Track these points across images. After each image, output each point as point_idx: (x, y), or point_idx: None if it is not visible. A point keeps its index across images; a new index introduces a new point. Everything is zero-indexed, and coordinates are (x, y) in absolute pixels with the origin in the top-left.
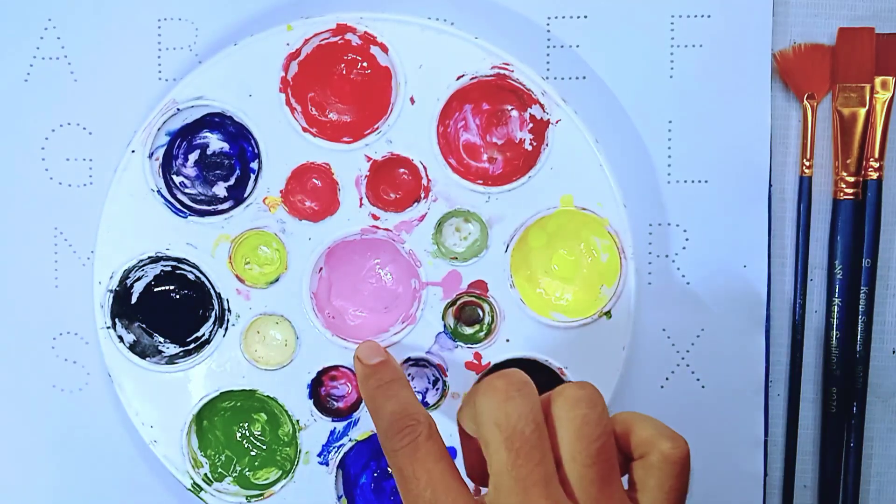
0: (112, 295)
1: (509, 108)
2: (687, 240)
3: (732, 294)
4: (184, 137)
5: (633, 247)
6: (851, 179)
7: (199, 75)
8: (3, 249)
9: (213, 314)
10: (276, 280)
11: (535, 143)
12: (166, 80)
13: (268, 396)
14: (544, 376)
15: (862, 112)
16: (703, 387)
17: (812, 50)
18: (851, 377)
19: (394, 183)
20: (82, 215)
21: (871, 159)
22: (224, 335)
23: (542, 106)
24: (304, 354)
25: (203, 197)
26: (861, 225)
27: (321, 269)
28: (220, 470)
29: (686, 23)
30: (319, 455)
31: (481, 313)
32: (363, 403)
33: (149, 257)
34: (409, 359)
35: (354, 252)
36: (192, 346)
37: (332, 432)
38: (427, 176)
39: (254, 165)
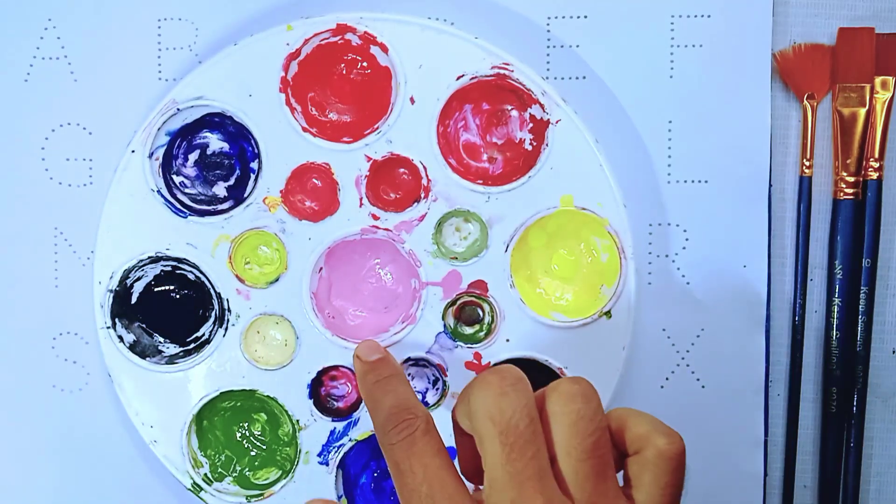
0: (112, 295)
1: (509, 108)
2: (687, 240)
3: (732, 294)
4: (184, 137)
5: (633, 247)
6: (851, 179)
7: (199, 75)
8: (3, 249)
9: (213, 314)
10: (276, 280)
11: (535, 143)
12: (166, 80)
13: (268, 396)
14: (544, 376)
15: (862, 112)
16: (703, 387)
17: (812, 50)
18: (851, 377)
19: (394, 183)
20: (82, 215)
21: (871, 159)
22: (224, 335)
23: (542, 106)
24: (304, 354)
25: (203, 197)
26: (861, 225)
27: (321, 269)
28: (220, 470)
29: (686, 23)
30: (319, 455)
31: (481, 313)
32: (363, 403)
33: (149, 257)
34: (409, 359)
35: (354, 252)
36: (192, 346)
37: (332, 432)
38: (427, 176)
39: (254, 165)
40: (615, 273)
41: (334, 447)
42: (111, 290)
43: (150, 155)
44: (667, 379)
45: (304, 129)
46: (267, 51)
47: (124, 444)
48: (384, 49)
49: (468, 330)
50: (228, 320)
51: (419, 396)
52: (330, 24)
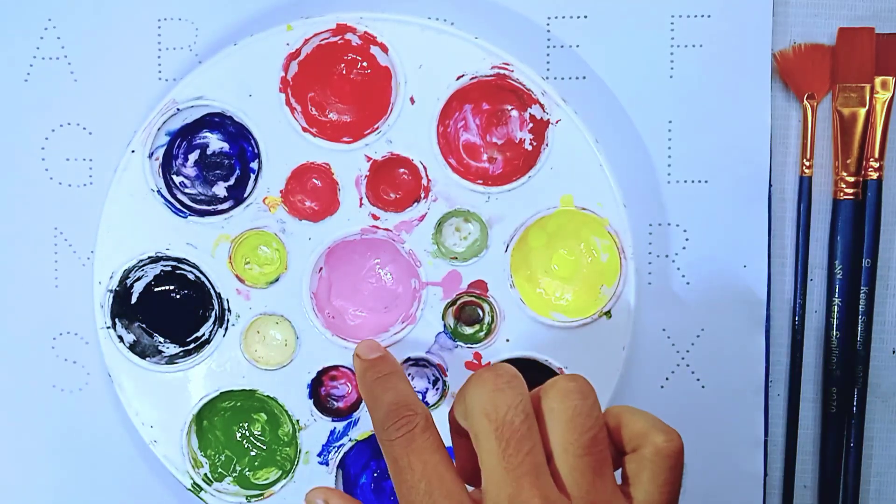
0: (112, 295)
1: (509, 108)
2: (687, 240)
3: (732, 294)
4: (184, 137)
5: (633, 247)
6: (851, 179)
7: (199, 75)
8: (3, 249)
9: (213, 314)
10: (276, 280)
11: (535, 143)
12: (166, 80)
13: (268, 396)
14: (544, 376)
15: (862, 112)
16: (703, 387)
17: (812, 50)
18: (851, 377)
19: (394, 183)
20: (82, 215)
21: (871, 159)
22: (224, 335)
23: (542, 106)
24: (304, 354)
25: (203, 197)
26: (861, 225)
27: (321, 269)
28: (220, 470)
29: (686, 23)
30: (319, 455)
31: (481, 313)
32: (363, 403)
33: (149, 257)
34: (409, 359)
35: (354, 252)
36: (192, 346)
37: (332, 432)
38: (427, 176)
39: (254, 165)
40: (615, 273)
41: (334, 447)
42: (111, 290)
43: (150, 155)
44: (667, 379)
45: (304, 129)
46: (267, 51)
47: (124, 444)
48: (384, 49)
49: (468, 330)
50: (228, 320)
51: (419, 396)
52: (330, 24)
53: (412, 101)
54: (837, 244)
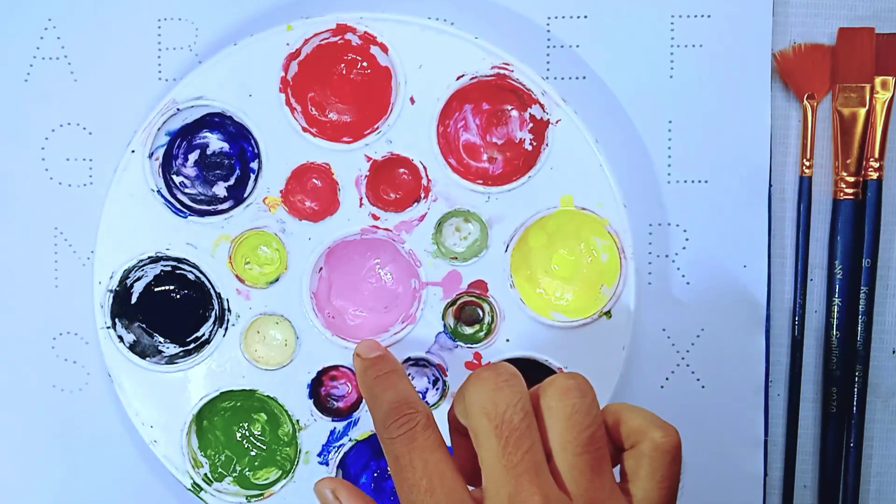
0: (112, 295)
1: (509, 108)
2: (687, 240)
3: (732, 294)
4: (184, 137)
5: (633, 247)
6: (851, 179)
7: (199, 75)
8: (3, 249)
9: (213, 314)
10: (276, 280)
11: (535, 143)
12: (166, 80)
13: (268, 396)
14: (544, 376)
15: (862, 112)
16: (703, 387)
17: (812, 50)
18: (851, 377)
19: (394, 183)
20: (82, 215)
21: (871, 159)
22: (224, 335)
23: (542, 106)
24: (304, 354)
25: (203, 197)
26: (861, 225)
27: (321, 269)
28: (220, 470)
29: (686, 23)
30: (319, 455)
31: (481, 313)
32: (363, 403)
33: (149, 257)
34: (409, 359)
35: (354, 252)
36: (192, 346)
37: (332, 432)
38: (427, 176)
39: (254, 165)
40: (615, 273)
41: (334, 447)
42: (111, 290)
43: (150, 155)
44: (667, 379)
45: (304, 129)
46: (267, 51)
47: (124, 444)
48: (384, 49)
49: (468, 330)
50: (228, 320)
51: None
52: (330, 24)
53: (412, 101)
54: (837, 244)
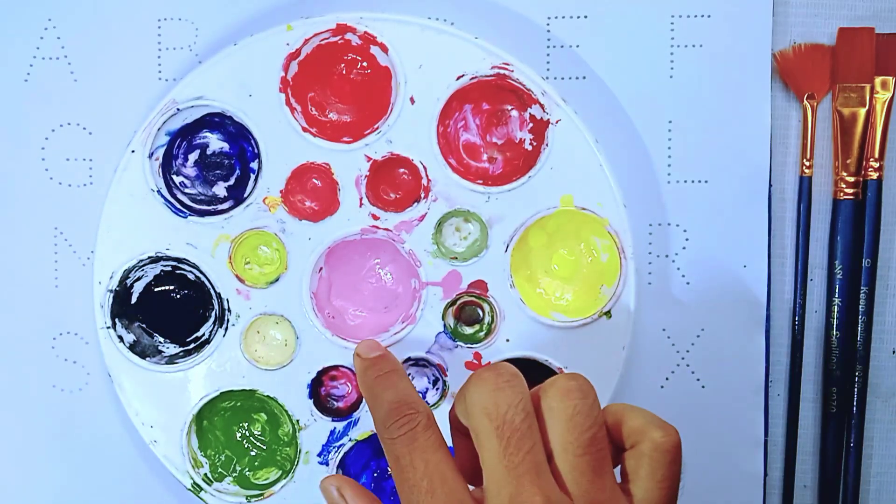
0: (112, 295)
1: (509, 108)
2: (687, 240)
3: (732, 294)
4: (184, 137)
5: (633, 247)
6: (851, 179)
7: (199, 75)
8: (3, 249)
9: (213, 314)
10: (276, 280)
11: (535, 143)
12: (166, 80)
13: (268, 396)
14: (544, 376)
15: (862, 112)
16: (703, 387)
17: (812, 50)
18: (851, 377)
19: (394, 183)
20: (82, 215)
21: (871, 159)
22: (224, 335)
23: (542, 106)
24: (304, 354)
25: (203, 197)
26: (861, 225)
27: (321, 269)
28: (220, 470)
29: (686, 23)
30: (319, 455)
31: (481, 313)
32: (363, 403)
33: (149, 257)
34: (409, 359)
35: (354, 252)
36: (192, 346)
37: (332, 432)
38: (427, 176)
39: (254, 165)
40: (615, 273)
41: (334, 447)
42: (111, 290)
43: (150, 155)
44: (667, 379)
45: (304, 129)
46: (267, 51)
47: (124, 444)
48: (384, 49)
49: (468, 330)
50: (228, 320)
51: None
52: (330, 24)
53: (412, 101)
54: (837, 244)
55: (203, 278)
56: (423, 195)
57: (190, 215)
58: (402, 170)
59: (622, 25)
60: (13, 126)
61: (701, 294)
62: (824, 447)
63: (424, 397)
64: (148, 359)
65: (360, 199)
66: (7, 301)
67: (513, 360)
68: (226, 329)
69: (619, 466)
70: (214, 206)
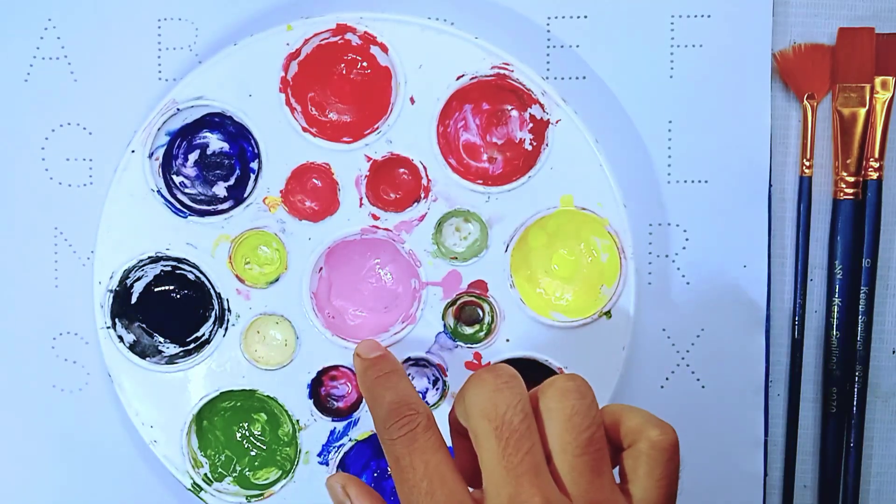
0: (112, 295)
1: (509, 108)
2: (687, 240)
3: (732, 294)
4: (184, 137)
5: (633, 247)
6: (851, 179)
7: (199, 75)
8: (3, 249)
9: (213, 314)
10: (276, 280)
11: (535, 143)
12: (166, 80)
13: (268, 396)
14: (544, 376)
15: (862, 112)
16: (703, 387)
17: (812, 50)
18: (851, 377)
19: (394, 183)
20: (82, 215)
21: (871, 159)
22: (224, 335)
23: (542, 106)
24: (304, 354)
25: (203, 197)
26: (861, 225)
27: (321, 269)
28: (220, 470)
29: (686, 23)
30: (319, 455)
31: (481, 313)
32: (363, 403)
33: (149, 257)
34: (409, 359)
35: (354, 252)
36: (192, 346)
37: (332, 432)
38: (427, 176)
39: (254, 165)
40: (615, 273)
41: (334, 447)
42: (111, 290)
43: (150, 155)
44: (667, 379)
45: (304, 129)
46: (267, 51)
47: (124, 444)
48: (384, 49)
49: (468, 330)
50: (228, 320)
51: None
52: (330, 24)
53: (412, 101)
54: (837, 244)
55: (203, 278)
56: (423, 195)
57: (190, 215)
58: (402, 170)
59: (622, 25)
60: (13, 126)
61: (701, 294)
62: (824, 447)
63: (424, 397)
64: (148, 359)
65: (360, 199)
66: (7, 301)
67: (513, 361)
68: (226, 329)
69: (618, 467)
70: (214, 206)
